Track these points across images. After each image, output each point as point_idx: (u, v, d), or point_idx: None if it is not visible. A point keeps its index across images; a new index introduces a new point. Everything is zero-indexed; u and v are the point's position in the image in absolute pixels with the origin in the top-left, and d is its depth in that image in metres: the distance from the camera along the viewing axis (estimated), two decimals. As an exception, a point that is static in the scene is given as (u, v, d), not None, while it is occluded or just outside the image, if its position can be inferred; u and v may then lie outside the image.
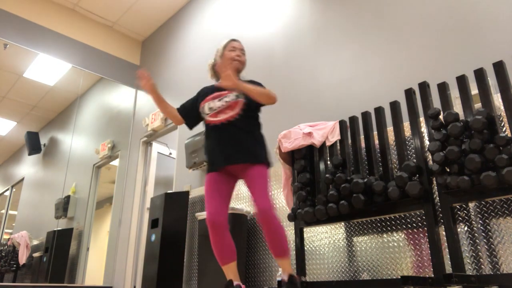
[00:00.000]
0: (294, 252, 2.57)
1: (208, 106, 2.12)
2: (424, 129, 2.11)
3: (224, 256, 1.89)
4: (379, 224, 2.23)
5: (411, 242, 2.07)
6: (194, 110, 2.19)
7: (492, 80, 1.84)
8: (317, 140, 2.41)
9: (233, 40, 2.25)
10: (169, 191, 3.59)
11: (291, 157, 2.55)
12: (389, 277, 2.09)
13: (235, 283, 1.84)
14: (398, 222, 2.15)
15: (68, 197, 4.64)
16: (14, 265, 4.25)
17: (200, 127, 4.04)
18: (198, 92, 2.25)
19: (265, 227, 1.84)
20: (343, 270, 2.32)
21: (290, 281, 1.86)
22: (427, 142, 2.03)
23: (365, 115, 2.29)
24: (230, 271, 1.89)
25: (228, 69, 1.95)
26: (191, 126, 2.25)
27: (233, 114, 2.06)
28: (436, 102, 2.04)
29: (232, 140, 2.03)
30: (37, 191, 4.78)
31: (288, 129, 2.58)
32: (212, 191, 1.98)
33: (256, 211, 1.85)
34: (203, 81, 4.07)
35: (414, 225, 2.08)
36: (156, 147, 4.82)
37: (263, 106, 2.12)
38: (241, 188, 3.20)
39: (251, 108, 2.10)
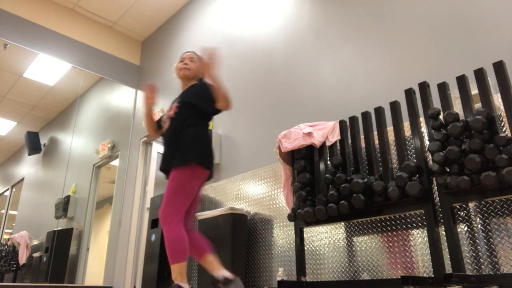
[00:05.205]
0: (295, 252, 2.57)
1: (163, 118, 2.34)
2: (424, 129, 2.11)
3: (194, 252, 2.07)
4: (379, 224, 2.23)
5: (411, 242, 2.07)
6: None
7: (492, 80, 1.84)
8: (317, 140, 2.41)
9: (185, 52, 2.47)
10: (169, 191, 3.58)
11: (291, 157, 2.55)
12: (389, 277, 2.09)
13: (222, 274, 1.97)
14: (398, 222, 2.15)
15: (68, 197, 4.64)
16: (14, 265, 4.25)
17: (200, 127, 4.00)
18: None
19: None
20: (343, 270, 2.32)
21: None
22: (427, 142, 2.03)
23: (365, 115, 2.29)
24: (207, 262, 2.06)
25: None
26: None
27: (169, 121, 2.22)
28: (436, 102, 2.04)
29: (165, 147, 2.20)
30: (37, 191, 4.78)
31: (288, 129, 2.58)
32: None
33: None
34: (203, 81, 4.08)
35: (414, 225, 2.08)
36: (156, 147, 4.82)
37: (197, 105, 2.22)
38: (240, 188, 3.21)
39: (183, 110, 2.21)
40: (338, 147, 2.37)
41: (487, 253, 1.79)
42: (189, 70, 2.37)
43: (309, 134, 2.45)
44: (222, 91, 2.11)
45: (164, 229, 1.98)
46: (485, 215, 1.84)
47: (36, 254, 4.35)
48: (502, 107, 1.79)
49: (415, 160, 2.00)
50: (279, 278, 2.55)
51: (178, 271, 1.97)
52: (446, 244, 1.75)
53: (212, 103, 2.18)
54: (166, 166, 2.12)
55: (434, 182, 1.93)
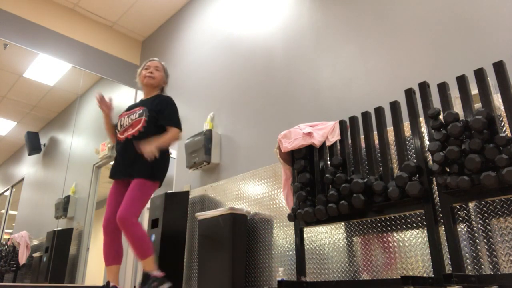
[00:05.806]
0: (295, 252, 2.57)
1: (120, 122, 2.48)
2: (424, 129, 2.11)
3: (108, 258, 2.21)
4: (379, 224, 2.23)
5: (411, 242, 2.07)
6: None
7: (492, 80, 1.84)
8: (317, 140, 2.41)
9: (150, 60, 2.59)
10: (169, 191, 3.59)
11: (291, 157, 2.55)
12: (389, 277, 2.09)
13: (111, 284, 2.13)
14: (398, 222, 2.15)
15: (68, 197, 4.64)
16: (14, 265, 4.25)
17: (199, 128, 4.03)
18: None
19: (124, 233, 2.11)
20: (343, 270, 2.32)
21: (153, 279, 2.09)
22: (427, 142, 2.03)
23: (365, 115, 2.29)
24: (111, 272, 2.20)
25: (145, 147, 2.22)
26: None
27: (133, 132, 2.33)
28: (436, 102, 2.04)
29: (127, 156, 2.31)
30: (37, 191, 4.78)
31: (288, 129, 2.58)
32: (110, 199, 2.33)
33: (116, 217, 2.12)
34: (203, 80, 4.08)
35: (414, 225, 2.08)
36: (156, 147, 4.81)
37: (165, 124, 2.41)
38: (240, 188, 3.20)
39: (151, 126, 2.34)
40: (338, 147, 2.37)
41: (487, 253, 1.79)
42: (154, 79, 2.45)
43: (309, 134, 2.45)
44: (168, 142, 2.32)
45: (127, 229, 2.08)
46: (485, 215, 1.84)
47: (36, 254, 4.35)
48: (502, 107, 1.79)
49: (415, 160, 2.00)
50: (279, 278, 2.55)
51: (152, 264, 2.11)
52: (446, 244, 1.75)
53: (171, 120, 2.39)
54: (128, 174, 2.27)
55: (434, 182, 1.93)
